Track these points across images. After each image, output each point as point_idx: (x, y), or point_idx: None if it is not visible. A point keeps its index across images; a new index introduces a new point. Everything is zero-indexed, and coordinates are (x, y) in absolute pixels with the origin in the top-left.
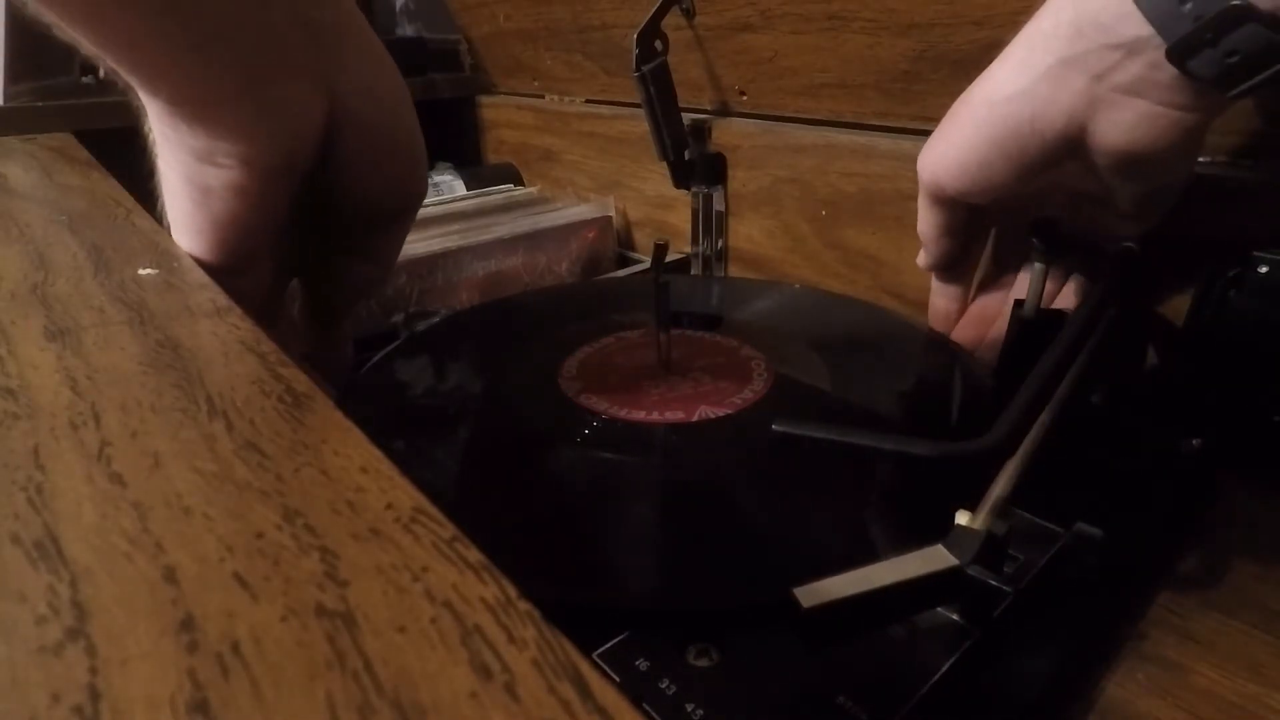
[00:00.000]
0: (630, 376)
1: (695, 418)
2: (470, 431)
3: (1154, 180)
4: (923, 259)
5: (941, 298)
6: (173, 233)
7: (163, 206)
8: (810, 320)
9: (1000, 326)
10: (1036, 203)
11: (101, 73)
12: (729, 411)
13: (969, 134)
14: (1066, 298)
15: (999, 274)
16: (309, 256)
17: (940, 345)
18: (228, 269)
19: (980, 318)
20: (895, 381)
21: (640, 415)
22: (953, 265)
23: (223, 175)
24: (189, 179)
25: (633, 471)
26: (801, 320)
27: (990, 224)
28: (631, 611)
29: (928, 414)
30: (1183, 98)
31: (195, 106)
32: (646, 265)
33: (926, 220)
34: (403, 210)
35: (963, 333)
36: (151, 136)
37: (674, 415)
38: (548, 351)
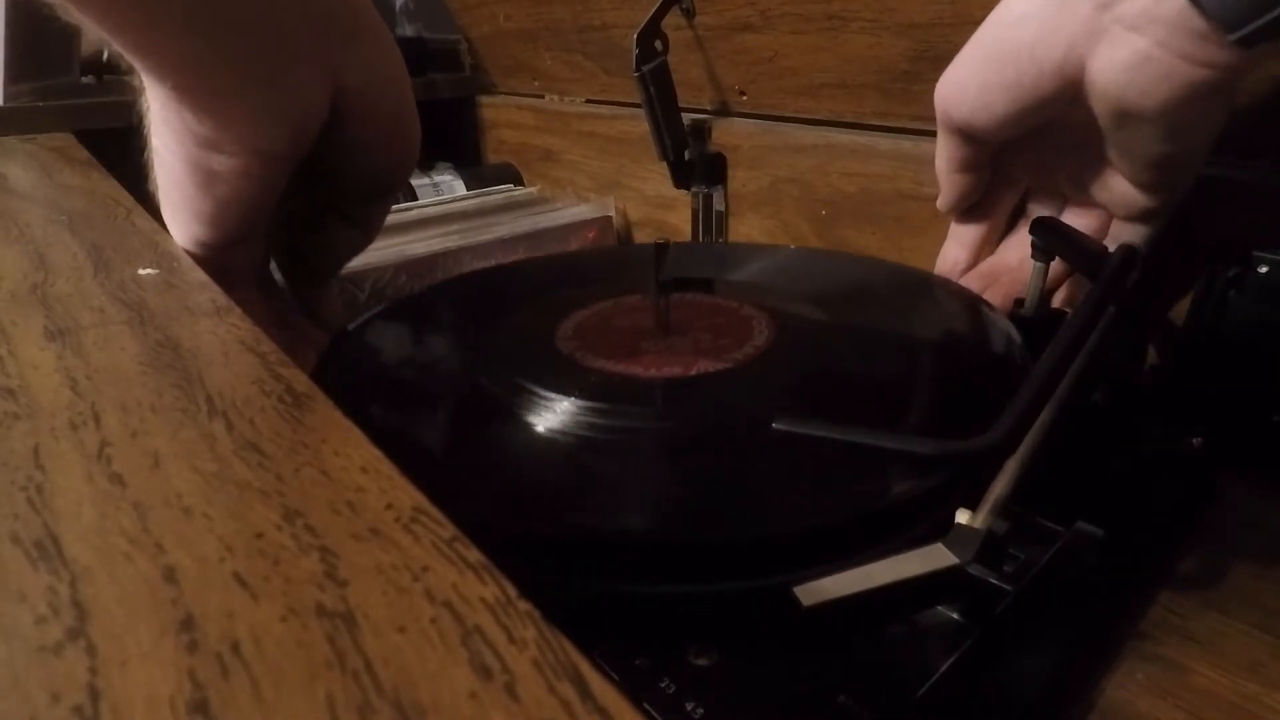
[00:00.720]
0: (628, 337)
1: (693, 372)
2: (461, 386)
3: (1158, 144)
4: (940, 199)
5: (954, 245)
6: (168, 211)
7: (154, 182)
8: (813, 277)
9: (1007, 285)
10: (1053, 156)
11: (105, 55)
12: (727, 366)
13: (973, 54)
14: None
15: (1017, 233)
16: (297, 224)
17: (951, 291)
18: (225, 245)
19: (989, 273)
20: (902, 328)
21: (638, 370)
22: (967, 208)
23: (229, 162)
24: (193, 164)
25: (628, 424)
26: (804, 278)
27: (1011, 173)
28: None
29: (938, 359)
30: (1182, 40)
31: (203, 96)
32: None
33: (939, 152)
34: (396, 184)
35: (966, 284)
36: (147, 114)
37: (671, 371)
38: (544, 314)
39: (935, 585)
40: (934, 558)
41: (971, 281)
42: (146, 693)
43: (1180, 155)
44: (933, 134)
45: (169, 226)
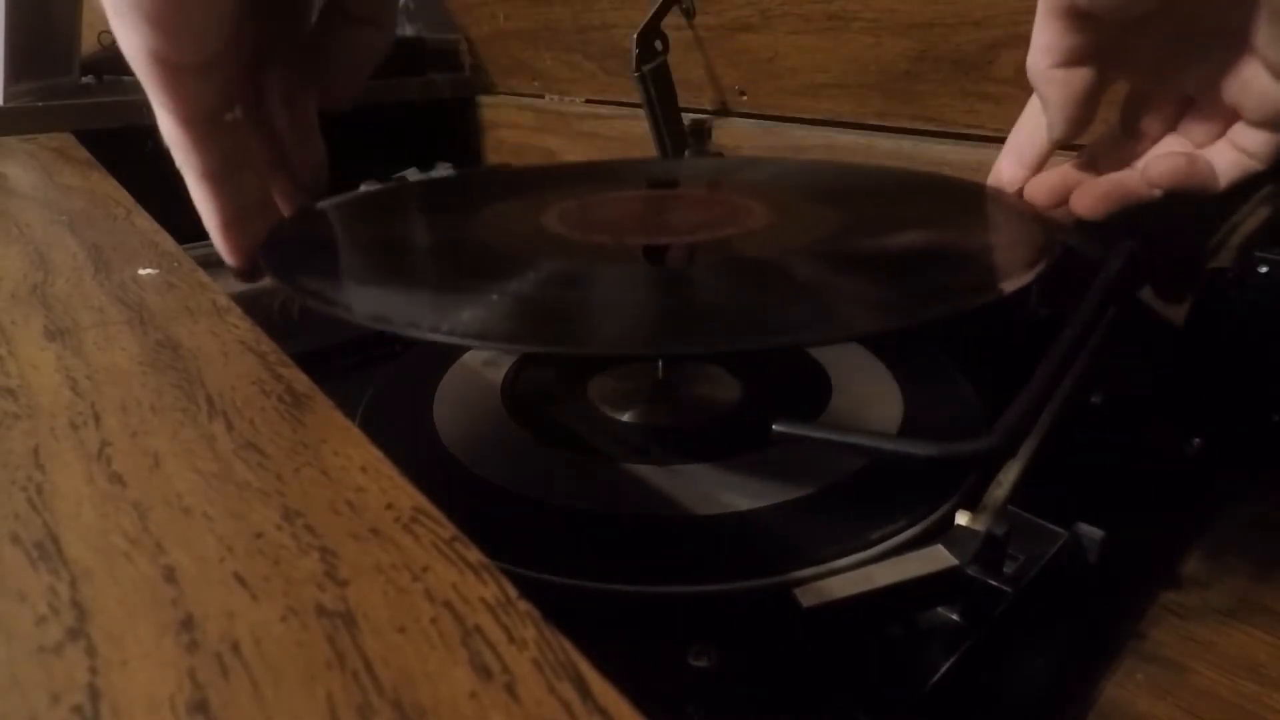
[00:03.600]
0: (618, 219)
1: (684, 239)
2: (446, 253)
3: None
4: (1048, 125)
5: (1009, 161)
6: (112, 13)
7: None
8: (829, 181)
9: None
10: (1177, 45)
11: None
12: (719, 236)
13: None
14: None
15: (1114, 144)
16: (297, 35)
17: (981, 192)
18: (190, 63)
19: (1059, 185)
20: (910, 226)
21: (625, 240)
22: (1081, 124)
23: None
24: None
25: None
26: (819, 181)
27: (1119, 71)
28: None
29: (945, 254)
30: None
31: None
32: None
33: (1034, 46)
34: None
35: (1032, 197)
36: None
37: (658, 240)
38: (532, 204)
39: (935, 586)
40: (933, 559)
41: (1041, 189)
42: (146, 693)
43: None
44: (933, 134)
45: (118, 37)
